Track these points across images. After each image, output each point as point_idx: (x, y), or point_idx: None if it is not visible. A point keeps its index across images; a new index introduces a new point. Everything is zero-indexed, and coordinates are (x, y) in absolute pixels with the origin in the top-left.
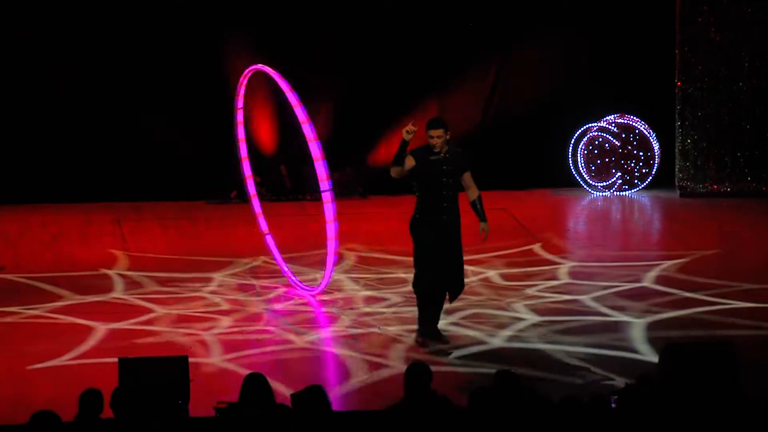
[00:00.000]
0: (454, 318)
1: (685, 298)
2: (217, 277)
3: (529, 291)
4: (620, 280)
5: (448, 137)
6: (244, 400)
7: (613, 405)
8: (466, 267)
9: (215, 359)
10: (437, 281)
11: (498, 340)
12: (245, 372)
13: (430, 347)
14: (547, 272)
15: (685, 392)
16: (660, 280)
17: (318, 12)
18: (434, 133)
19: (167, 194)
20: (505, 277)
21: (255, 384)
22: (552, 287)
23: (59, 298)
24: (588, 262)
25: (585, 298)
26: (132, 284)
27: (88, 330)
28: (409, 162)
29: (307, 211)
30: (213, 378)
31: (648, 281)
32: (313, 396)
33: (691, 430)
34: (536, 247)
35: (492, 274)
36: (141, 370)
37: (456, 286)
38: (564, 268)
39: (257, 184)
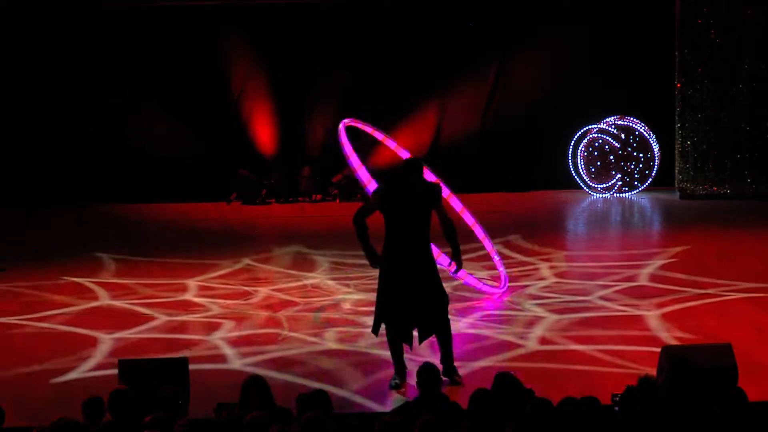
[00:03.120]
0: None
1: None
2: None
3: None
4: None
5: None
6: (244, 402)
7: (616, 408)
8: None
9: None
10: (397, 315)
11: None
12: None
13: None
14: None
15: (685, 394)
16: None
17: (318, 13)
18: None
19: (169, 196)
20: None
21: (255, 386)
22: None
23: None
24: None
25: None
26: None
27: None
28: (375, 204)
29: (306, 213)
30: None
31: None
32: (317, 399)
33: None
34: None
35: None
36: (140, 372)
37: (428, 323)
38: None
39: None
